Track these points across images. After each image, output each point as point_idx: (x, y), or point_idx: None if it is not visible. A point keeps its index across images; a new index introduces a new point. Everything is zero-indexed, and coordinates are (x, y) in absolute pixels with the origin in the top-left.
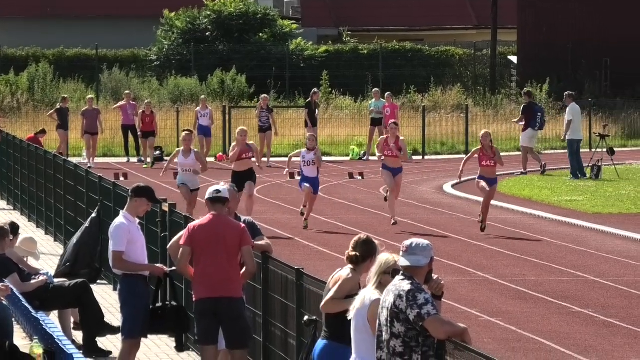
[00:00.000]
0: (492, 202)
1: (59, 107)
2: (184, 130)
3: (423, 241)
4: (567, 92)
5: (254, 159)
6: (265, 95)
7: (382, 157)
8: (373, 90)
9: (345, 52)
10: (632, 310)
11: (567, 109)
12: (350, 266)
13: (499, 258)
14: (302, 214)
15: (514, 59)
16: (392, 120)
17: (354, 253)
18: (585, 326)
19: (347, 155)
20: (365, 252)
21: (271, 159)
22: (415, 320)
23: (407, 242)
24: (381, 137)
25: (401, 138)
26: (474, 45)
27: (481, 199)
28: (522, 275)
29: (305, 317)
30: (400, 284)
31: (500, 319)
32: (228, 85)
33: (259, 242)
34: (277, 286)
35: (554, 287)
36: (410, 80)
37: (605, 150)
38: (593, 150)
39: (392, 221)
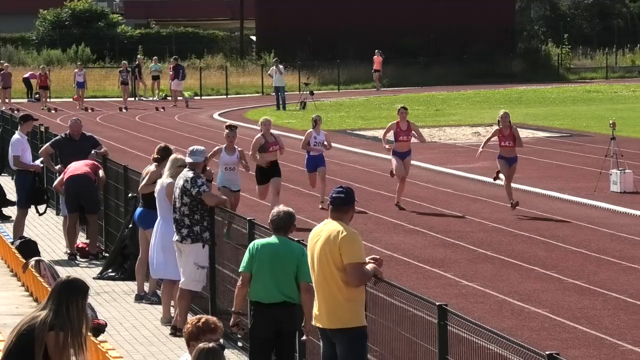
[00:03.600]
0: (241, 123)
1: None
2: (227, 126)
3: (200, 147)
4: (275, 59)
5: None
6: (125, 62)
7: (387, 146)
8: (153, 57)
9: (152, 34)
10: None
11: (281, 68)
12: (155, 164)
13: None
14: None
15: (254, 38)
16: (402, 105)
17: (156, 155)
18: (311, 203)
19: (155, 96)
20: (164, 154)
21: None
22: (196, 195)
23: (191, 148)
24: (391, 122)
25: (411, 122)
26: (230, 30)
27: None
28: (287, 171)
29: (130, 194)
30: (187, 173)
31: (249, 194)
32: (79, 54)
33: (100, 150)
34: (113, 177)
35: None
36: (192, 52)
37: (308, 92)
38: (300, 92)
39: (396, 201)
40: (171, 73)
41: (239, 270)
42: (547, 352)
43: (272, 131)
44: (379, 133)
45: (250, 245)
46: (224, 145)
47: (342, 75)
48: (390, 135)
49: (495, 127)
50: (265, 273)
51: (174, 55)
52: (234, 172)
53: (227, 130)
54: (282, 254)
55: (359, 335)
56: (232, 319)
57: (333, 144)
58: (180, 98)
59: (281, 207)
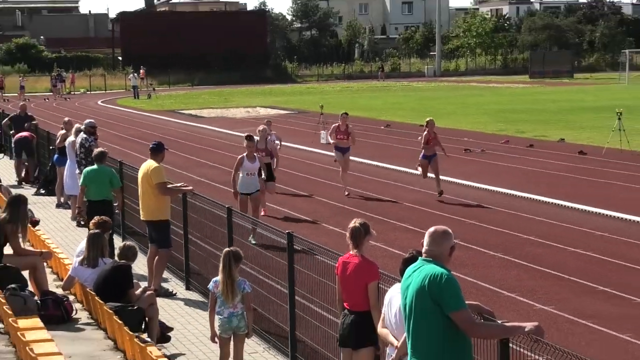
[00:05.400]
0: (114, 106)
1: None
2: (245, 137)
3: (91, 120)
4: (132, 70)
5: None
6: (54, 73)
7: (332, 142)
8: (61, 69)
9: (61, 56)
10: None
11: (136, 75)
12: (64, 130)
13: (132, 125)
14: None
15: (120, 58)
16: (344, 112)
17: (62, 125)
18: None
19: (64, 92)
20: (67, 124)
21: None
22: (88, 147)
23: (86, 121)
24: (334, 125)
25: (350, 126)
26: (106, 53)
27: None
28: (138, 132)
29: (51, 147)
30: (83, 135)
31: (123, 148)
32: (20, 69)
33: (33, 122)
34: (42, 138)
35: (144, 134)
36: (85, 66)
37: (152, 88)
38: (147, 88)
39: (346, 192)
40: (56, 78)
41: (80, 184)
42: (287, 232)
43: (271, 137)
44: (195, 112)
45: (84, 171)
46: (245, 154)
47: (171, 78)
48: (334, 132)
49: (425, 132)
50: (94, 183)
51: (62, 69)
52: (254, 177)
53: (246, 141)
54: (101, 174)
55: (164, 225)
56: (77, 210)
57: (176, 120)
58: (64, 94)
59: (99, 148)
